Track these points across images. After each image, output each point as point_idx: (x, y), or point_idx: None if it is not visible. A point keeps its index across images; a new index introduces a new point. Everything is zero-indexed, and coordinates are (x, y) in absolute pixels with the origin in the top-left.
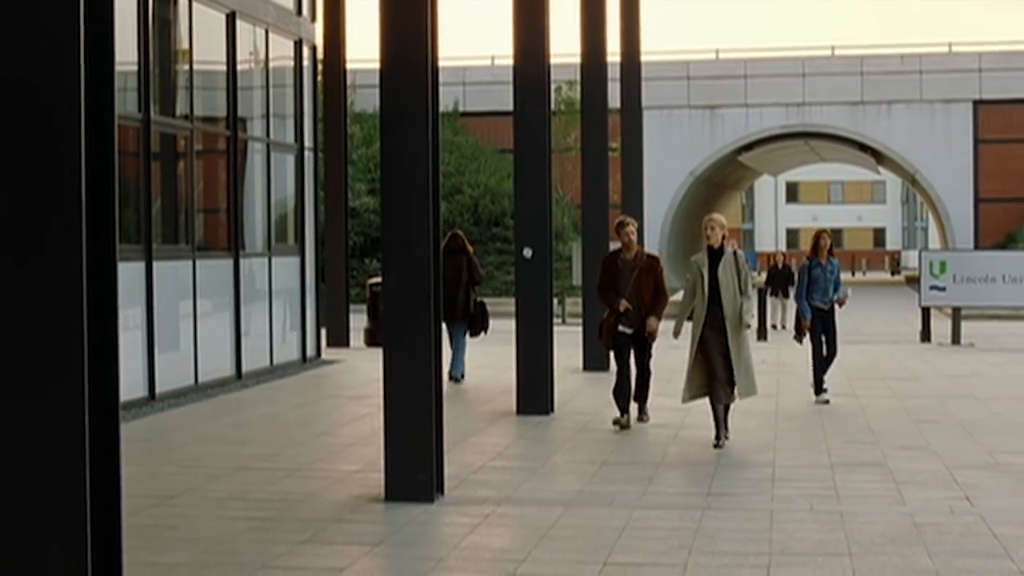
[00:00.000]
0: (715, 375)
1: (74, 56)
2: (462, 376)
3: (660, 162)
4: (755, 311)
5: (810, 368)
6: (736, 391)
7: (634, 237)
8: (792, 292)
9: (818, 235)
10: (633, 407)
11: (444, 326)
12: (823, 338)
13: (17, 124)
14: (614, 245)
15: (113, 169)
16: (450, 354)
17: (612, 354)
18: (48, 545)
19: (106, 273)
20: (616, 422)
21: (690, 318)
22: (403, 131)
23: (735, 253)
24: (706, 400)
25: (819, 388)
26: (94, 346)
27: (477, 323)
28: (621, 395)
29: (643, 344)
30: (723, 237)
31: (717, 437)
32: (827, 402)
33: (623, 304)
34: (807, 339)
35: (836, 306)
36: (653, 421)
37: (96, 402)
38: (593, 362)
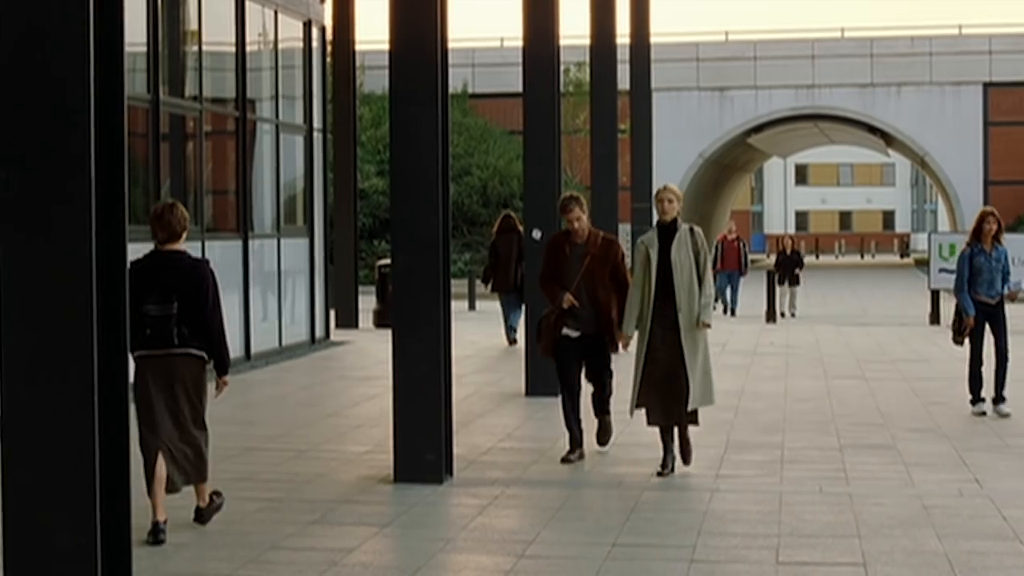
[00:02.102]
0: (664, 387)
1: (83, 37)
2: (515, 341)
3: (669, 144)
4: (714, 304)
5: (966, 372)
6: (690, 400)
7: (583, 221)
8: (801, 278)
9: (982, 217)
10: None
11: (499, 297)
12: (991, 338)
13: (28, 106)
14: (624, 228)
15: (123, 150)
16: (503, 322)
17: (555, 367)
18: (58, 523)
19: (116, 254)
20: (563, 459)
21: None
22: (413, 112)
23: (692, 230)
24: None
25: (977, 396)
26: (104, 327)
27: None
28: (571, 418)
29: (596, 351)
30: (678, 211)
31: (664, 464)
32: (1007, 415)
33: (567, 299)
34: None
35: (1005, 300)
36: None
37: (105, 383)
38: None
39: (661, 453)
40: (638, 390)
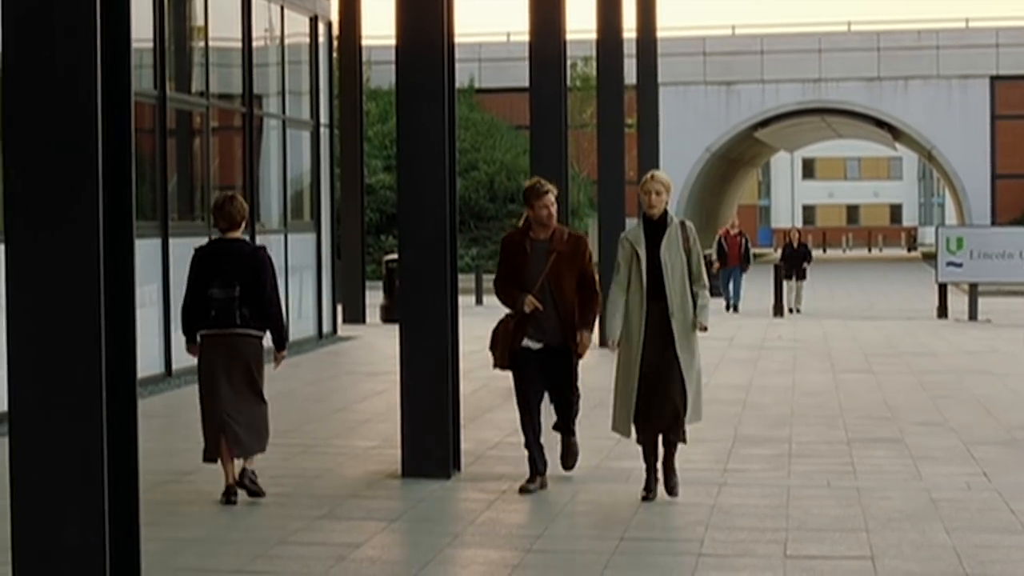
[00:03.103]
0: (658, 402)
1: (91, 33)
2: None
3: (676, 138)
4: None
5: None
6: (688, 413)
7: (553, 209)
8: (808, 272)
9: None
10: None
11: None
12: None
13: (35, 102)
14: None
15: (130, 146)
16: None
17: (513, 381)
18: (66, 519)
19: (123, 250)
20: (521, 489)
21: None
22: (420, 107)
23: (683, 225)
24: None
25: None
26: (111, 323)
27: None
28: (532, 444)
29: (562, 366)
30: (667, 203)
31: (648, 488)
32: None
33: (530, 302)
34: None
35: None
36: None
37: (113, 378)
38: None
39: (645, 470)
40: (635, 406)
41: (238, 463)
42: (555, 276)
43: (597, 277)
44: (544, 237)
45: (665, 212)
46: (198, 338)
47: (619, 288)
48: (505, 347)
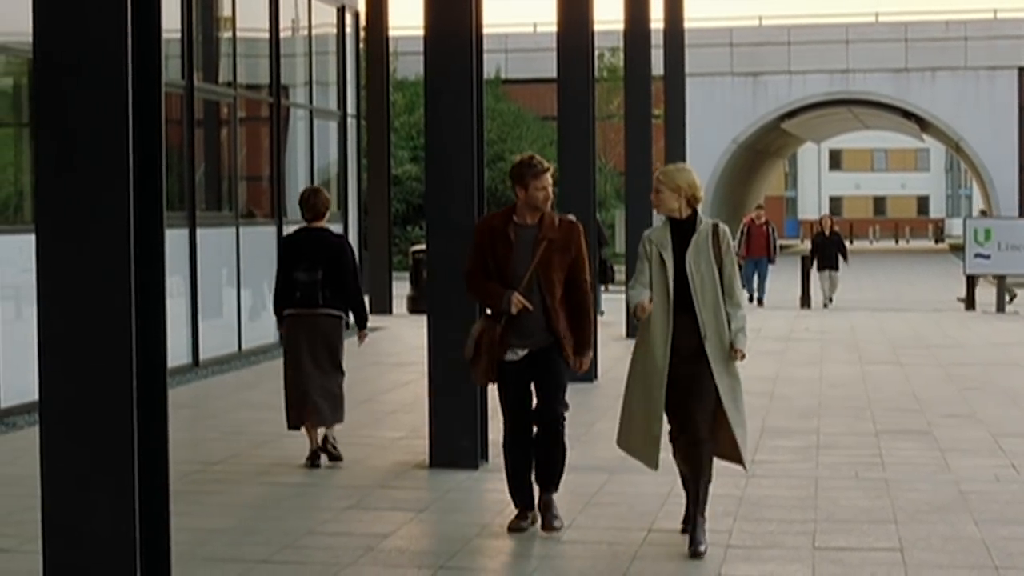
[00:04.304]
0: (692, 429)
1: (121, 24)
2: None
3: (703, 129)
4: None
5: None
6: (742, 450)
7: (550, 192)
8: (844, 262)
9: None
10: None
11: None
12: None
13: (65, 92)
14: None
15: (160, 137)
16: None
17: (499, 397)
18: (96, 508)
19: (153, 240)
20: (512, 527)
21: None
22: (447, 98)
23: (715, 229)
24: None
25: None
26: (141, 313)
27: (605, 276)
28: (515, 474)
29: (550, 376)
30: (690, 201)
31: (694, 541)
32: None
33: (517, 301)
34: None
35: None
36: None
37: (143, 368)
38: (636, 330)
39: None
40: (640, 427)
41: (320, 431)
42: (545, 269)
43: (589, 278)
44: (532, 223)
45: (694, 212)
46: (283, 315)
47: (638, 284)
48: (492, 359)
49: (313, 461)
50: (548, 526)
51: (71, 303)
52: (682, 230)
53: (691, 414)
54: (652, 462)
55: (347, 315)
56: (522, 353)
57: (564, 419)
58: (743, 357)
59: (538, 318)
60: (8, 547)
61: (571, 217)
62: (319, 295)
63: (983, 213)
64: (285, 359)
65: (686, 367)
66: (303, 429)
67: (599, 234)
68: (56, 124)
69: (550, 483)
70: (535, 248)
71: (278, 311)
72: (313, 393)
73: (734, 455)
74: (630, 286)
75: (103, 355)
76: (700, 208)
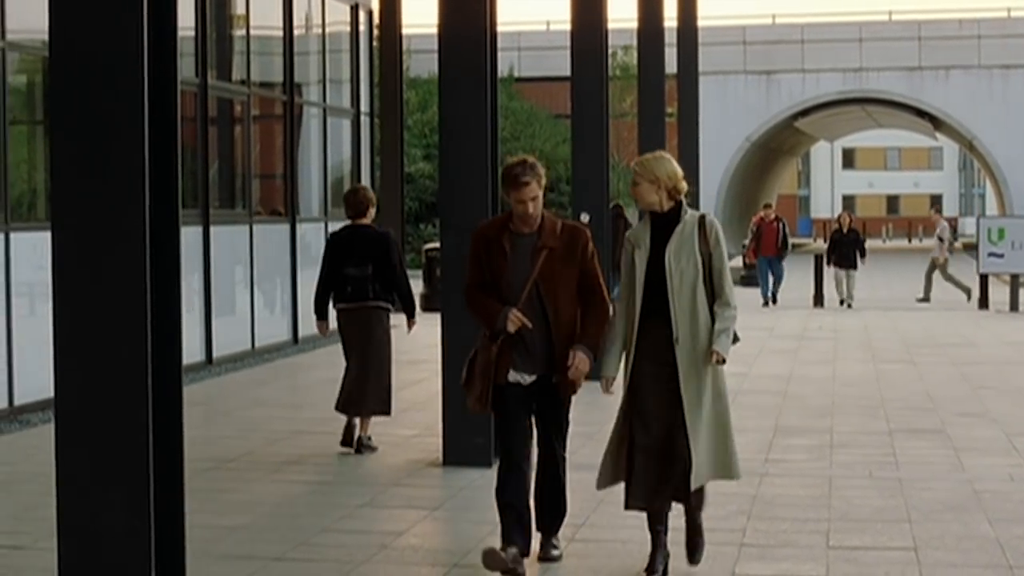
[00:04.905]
0: (654, 452)
1: (137, 20)
2: None
3: (716, 128)
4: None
5: None
6: (692, 476)
7: (536, 204)
8: (861, 261)
9: None
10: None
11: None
12: None
13: (81, 89)
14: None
15: (176, 134)
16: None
17: (494, 423)
18: (112, 505)
19: (169, 237)
20: (488, 561)
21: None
22: (461, 96)
23: (702, 221)
24: None
25: None
26: (157, 310)
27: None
28: (509, 508)
29: (553, 411)
30: (671, 193)
31: (651, 566)
32: None
33: (515, 319)
34: None
35: None
36: None
37: (159, 365)
38: None
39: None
40: (615, 459)
41: (365, 421)
42: (547, 281)
43: (604, 281)
44: (530, 230)
45: (679, 204)
46: (331, 312)
47: (621, 307)
48: (486, 383)
49: (358, 448)
50: (546, 557)
51: (87, 301)
52: (663, 224)
53: (672, 440)
54: (638, 499)
55: (393, 307)
56: (529, 379)
57: (565, 460)
58: (721, 361)
59: (542, 338)
60: (23, 544)
61: (584, 217)
62: (369, 289)
63: (938, 212)
64: (344, 350)
65: (655, 375)
66: (347, 416)
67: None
68: (72, 122)
69: (551, 531)
70: (534, 258)
71: (322, 306)
72: (362, 382)
73: (716, 475)
74: (618, 310)
75: (119, 353)
76: (685, 200)
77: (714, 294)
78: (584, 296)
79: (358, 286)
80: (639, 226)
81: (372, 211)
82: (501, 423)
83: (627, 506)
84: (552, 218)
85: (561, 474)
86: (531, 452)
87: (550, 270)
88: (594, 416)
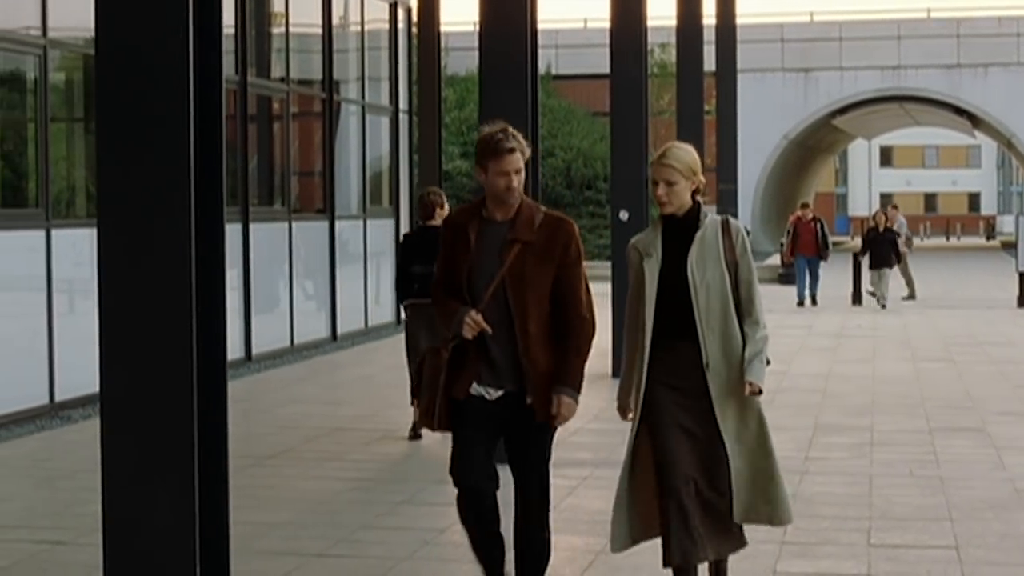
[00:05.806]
0: (690, 499)
1: (182, 18)
2: None
3: (754, 125)
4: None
5: None
6: (735, 514)
7: (519, 178)
8: (900, 260)
9: None
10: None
11: None
12: None
13: (127, 88)
14: (710, 210)
15: (221, 132)
16: None
17: (452, 447)
18: (156, 501)
19: (214, 234)
20: None
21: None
22: (502, 94)
23: (726, 225)
24: None
25: None
26: (202, 307)
27: None
28: (482, 544)
29: (529, 435)
30: (696, 191)
31: None
32: None
33: (472, 323)
34: None
35: None
36: None
37: (203, 362)
38: None
39: None
40: (630, 509)
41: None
42: (517, 279)
43: (589, 287)
44: (503, 219)
45: (697, 207)
46: (403, 306)
47: (627, 328)
48: (433, 396)
49: (415, 432)
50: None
51: (133, 298)
52: (679, 229)
53: (706, 467)
54: (676, 558)
55: None
56: (496, 394)
57: (548, 499)
58: (759, 392)
59: (506, 347)
60: (65, 539)
61: (623, 215)
62: None
63: (895, 208)
64: (407, 343)
65: (679, 404)
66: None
67: None
68: (118, 120)
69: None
70: (503, 253)
71: (401, 301)
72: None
73: (764, 515)
74: (628, 331)
75: (164, 349)
76: (703, 199)
77: (740, 310)
78: (561, 307)
79: (424, 284)
80: (647, 231)
81: (441, 211)
82: (460, 445)
83: (666, 563)
84: (533, 206)
85: (544, 516)
86: (496, 481)
87: (520, 268)
88: (609, 413)
